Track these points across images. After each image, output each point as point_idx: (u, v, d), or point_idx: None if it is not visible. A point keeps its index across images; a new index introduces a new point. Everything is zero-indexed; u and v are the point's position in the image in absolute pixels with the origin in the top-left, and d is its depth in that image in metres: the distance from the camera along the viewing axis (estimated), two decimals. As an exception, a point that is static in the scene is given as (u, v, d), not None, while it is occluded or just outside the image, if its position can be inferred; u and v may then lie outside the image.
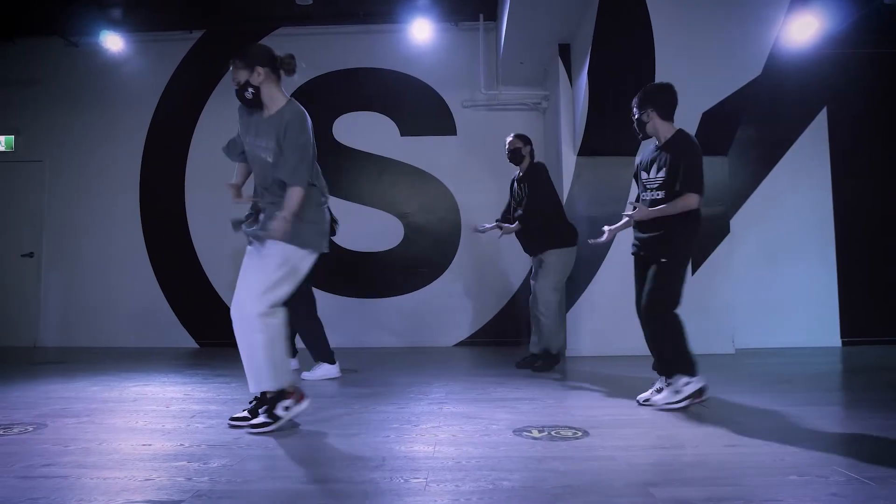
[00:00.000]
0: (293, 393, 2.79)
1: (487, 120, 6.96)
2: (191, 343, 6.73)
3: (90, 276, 7.04)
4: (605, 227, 3.57)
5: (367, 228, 6.92)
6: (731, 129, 5.64)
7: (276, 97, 2.81)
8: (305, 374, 4.42)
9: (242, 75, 2.78)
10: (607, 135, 5.52)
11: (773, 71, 5.50)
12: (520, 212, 4.81)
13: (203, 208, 6.92)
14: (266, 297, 2.69)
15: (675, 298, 3.22)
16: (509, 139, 4.89)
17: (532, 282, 4.92)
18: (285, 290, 2.77)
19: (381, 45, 7.06)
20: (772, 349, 6.01)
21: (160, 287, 6.97)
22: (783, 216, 6.47)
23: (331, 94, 7.03)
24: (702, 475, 2.08)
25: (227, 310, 2.83)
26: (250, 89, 2.78)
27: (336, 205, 6.82)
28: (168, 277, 7.00)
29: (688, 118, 5.30)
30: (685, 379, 3.15)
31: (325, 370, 4.46)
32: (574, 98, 5.87)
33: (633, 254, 3.39)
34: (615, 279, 5.50)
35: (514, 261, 6.50)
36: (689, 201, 3.14)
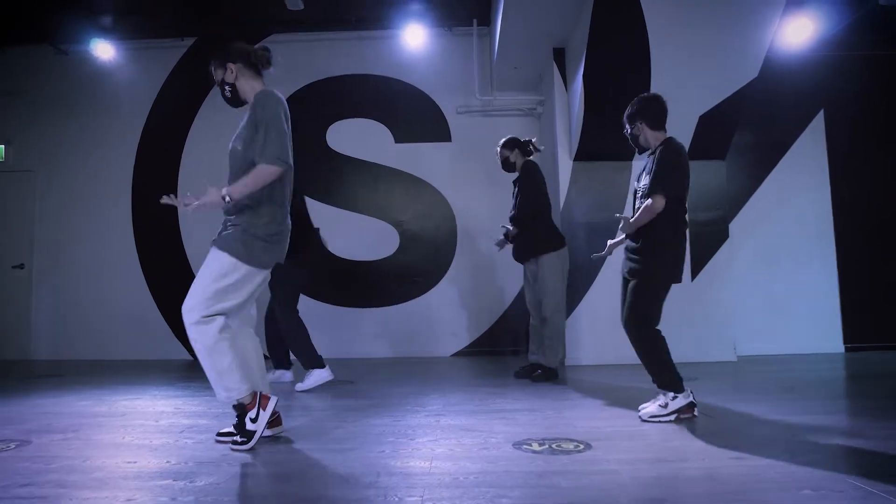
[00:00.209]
0: (253, 401, 2.61)
1: (482, 126, 6.90)
2: (184, 355, 6.62)
3: (82, 288, 6.94)
4: (608, 242, 3.57)
5: (361, 237, 6.85)
6: (728, 133, 5.59)
7: (256, 90, 2.74)
8: (299, 386, 4.32)
9: (219, 74, 2.76)
10: (604, 139, 5.45)
11: (770, 73, 5.48)
12: (512, 213, 4.75)
13: (196, 218, 6.77)
14: (201, 308, 2.55)
15: (651, 314, 3.15)
16: (497, 150, 4.86)
17: (527, 292, 4.84)
18: (227, 304, 2.60)
19: (374, 52, 7.01)
20: (774, 356, 5.94)
21: (153, 298, 6.87)
22: (782, 220, 6.42)
23: (324, 101, 6.97)
24: (710, 490, 2.00)
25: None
26: (227, 87, 2.75)
27: (330, 213, 6.81)
28: (161, 288, 6.90)
29: (684, 122, 5.28)
30: (672, 394, 3.08)
31: (318, 376, 4.34)
32: (569, 102, 5.82)
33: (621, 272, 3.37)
34: (614, 287, 5.32)
35: (512, 268, 6.39)
36: (652, 203, 3.07)
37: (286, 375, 4.76)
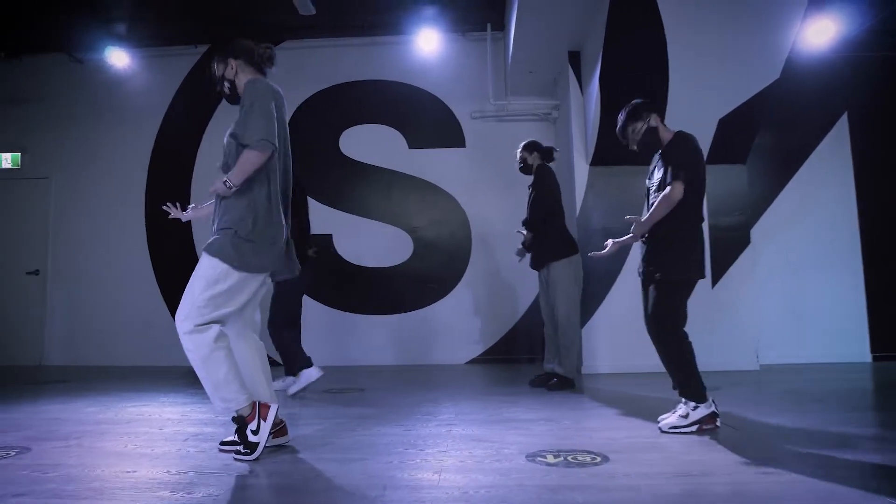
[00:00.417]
0: (252, 412, 2.51)
1: (497, 131, 6.81)
2: (196, 362, 6.55)
3: (96, 294, 6.94)
4: (610, 241, 3.33)
5: (375, 243, 6.77)
6: (748, 136, 5.44)
7: None
8: (291, 389, 4.25)
9: (219, 69, 2.72)
10: (621, 143, 5.32)
11: (792, 75, 5.32)
12: (525, 217, 4.66)
13: (209, 224, 6.77)
14: (194, 316, 2.44)
15: (677, 315, 3.01)
16: (517, 152, 4.77)
17: (542, 299, 4.73)
18: (221, 312, 2.50)
19: (387, 57, 6.96)
20: (798, 365, 5.75)
21: (166, 304, 6.84)
22: (806, 225, 6.24)
23: (337, 107, 6.92)
24: (736, 507, 1.88)
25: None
26: (225, 83, 2.71)
27: (343, 219, 6.76)
28: (174, 295, 6.84)
29: (704, 124, 5.14)
30: (693, 403, 2.94)
31: (307, 376, 4.25)
32: (585, 106, 5.71)
33: (638, 275, 3.23)
34: (632, 292, 5.22)
35: (527, 274, 6.28)
36: (671, 191, 2.93)
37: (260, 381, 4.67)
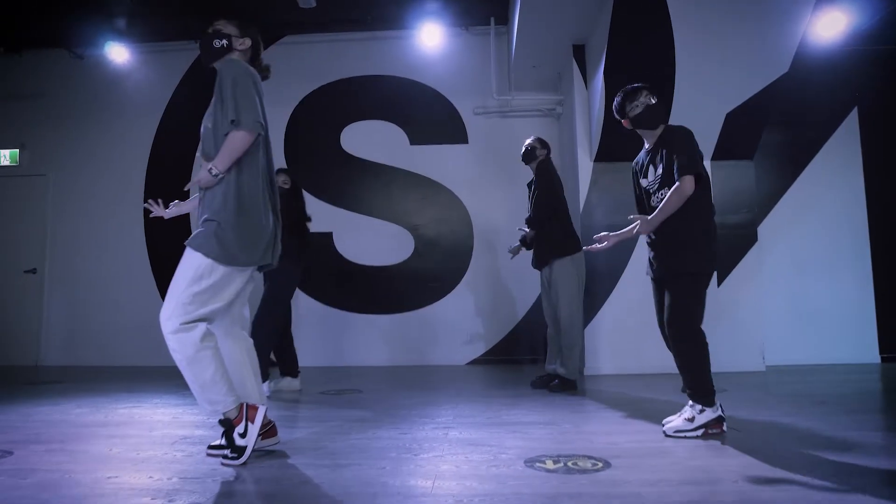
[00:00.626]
0: (239, 415, 2.41)
1: (500, 127, 6.71)
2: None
3: (94, 293, 6.87)
4: (604, 234, 3.15)
5: (375, 241, 6.68)
6: (756, 131, 5.32)
7: None
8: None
9: (228, 29, 2.60)
10: (625, 139, 5.18)
11: (801, 68, 5.20)
12: (528, 215, 4.56)
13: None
14: (179, 314, 2.34)
15: (697, 311, 2.89)
16: (528, 140, 4.63)
17: (543, 300, 4.62)
18: (207, 309, 2.39)
19: (389, 52, 6.86)
20: (805, 366, 5.63)
21: (165, 303, 6.76)
22: (814, 223, 6.11)
23: (338, 103, 6.83)
24: (744, 519, 1.77)
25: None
26: (224, 41, 2.58)
27: (344, 216, 6.67)
28: (172, 293, 6.79)
29: (710, 120, 5.04)
30: (700, 406, 2.83)
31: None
32: (590, 101, 5.60)
33: (648, 276, 3.11)
34: (636, 292, 5.17)
35: (529, 274, 6.19)
36: (682, 185, 2.81)
37: (294, 383, 4.59)
